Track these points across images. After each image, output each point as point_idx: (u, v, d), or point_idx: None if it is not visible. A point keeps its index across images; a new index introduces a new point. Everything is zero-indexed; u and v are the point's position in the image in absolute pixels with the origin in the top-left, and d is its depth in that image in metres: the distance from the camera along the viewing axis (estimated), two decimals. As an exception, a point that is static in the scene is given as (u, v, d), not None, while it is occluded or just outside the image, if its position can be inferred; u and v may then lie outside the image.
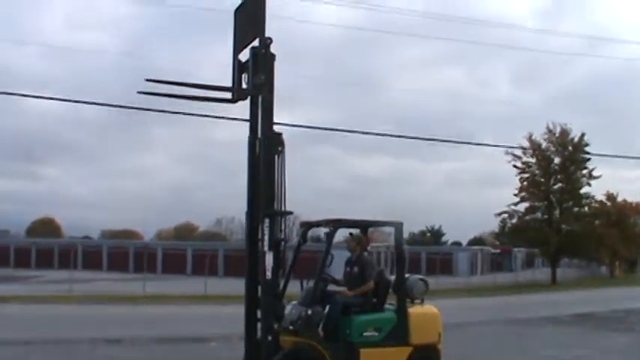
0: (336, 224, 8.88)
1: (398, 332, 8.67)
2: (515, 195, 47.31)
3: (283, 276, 8.52)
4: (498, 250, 65.66)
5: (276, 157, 8.28)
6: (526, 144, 45.80)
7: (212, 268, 39.98)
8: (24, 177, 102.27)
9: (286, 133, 8.52)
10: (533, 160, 47.28)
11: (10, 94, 16.06)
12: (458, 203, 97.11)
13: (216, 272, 44.83)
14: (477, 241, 78.04)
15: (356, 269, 8.98)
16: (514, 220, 48.08)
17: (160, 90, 8.59)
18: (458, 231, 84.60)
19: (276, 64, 8.43)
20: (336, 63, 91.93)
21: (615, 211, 53.33)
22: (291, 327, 8.24)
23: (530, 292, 36.70)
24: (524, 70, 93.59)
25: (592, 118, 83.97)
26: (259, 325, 8.19)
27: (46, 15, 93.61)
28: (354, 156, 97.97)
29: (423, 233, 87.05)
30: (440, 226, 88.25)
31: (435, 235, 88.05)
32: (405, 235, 9.61)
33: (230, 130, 55.35)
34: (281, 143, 8.33)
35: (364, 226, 9.67)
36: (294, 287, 8.83)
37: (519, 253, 65.84)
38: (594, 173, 46.57)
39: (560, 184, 47.45)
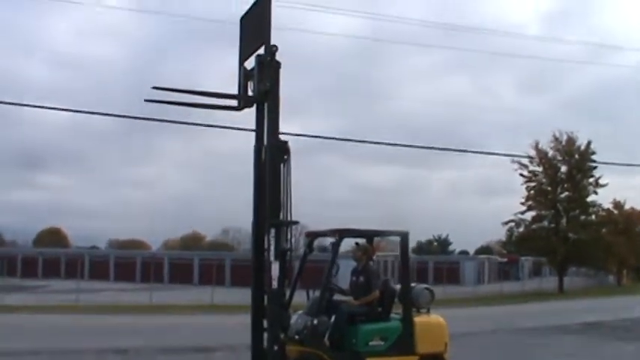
0: (342, 234, 8.92)
1: (404, 341, 8.66)
2: (522, 203, 47.40)
3: (289, 286, 8.50)
4: (505, 259, 65.39)
5: (281, 165, 8.25)
6: (532, 152, 45.92)
7: (219, 278, 40.13)
8: (31, 187, 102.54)
9: (292, 143, 8.50)
10: (540, 169, 47.22)
11: (15, 104, 16.15)
12: (465, 212, 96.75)
13: (223, 282, 44.87)
14: (484, 250, 77.78)
15: (362, 279, 8.99)
16: (521, 229, 48.02)
17: (167, 98, 8.65)
18: (465, 240, 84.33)
19: (282, 74, 8.44)
20: (341, 72, 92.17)
21: (622, 220, 53.19)
22: (297, 337, 8.26)
23: (538, 301, 36.55)
24: (530, 78, 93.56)
25: (598, 125, 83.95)
26: (265, 334, 8.17)
27: (52, 25, 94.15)
28: (360, 165, 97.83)
29: (429, 242, 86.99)
30: (447, 235, 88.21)
31: (441, 244, 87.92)
32: (412, 244, 9.62)
33: (237, 140, 55.54)
34: (287, 151, 8.29)
35: (370, 235, 9.64)
36: (300, 297, 8.86)
37: (526, 261, 65.65)
38: (601, 181, 46.59)
39: (566, 193, 47.35)
